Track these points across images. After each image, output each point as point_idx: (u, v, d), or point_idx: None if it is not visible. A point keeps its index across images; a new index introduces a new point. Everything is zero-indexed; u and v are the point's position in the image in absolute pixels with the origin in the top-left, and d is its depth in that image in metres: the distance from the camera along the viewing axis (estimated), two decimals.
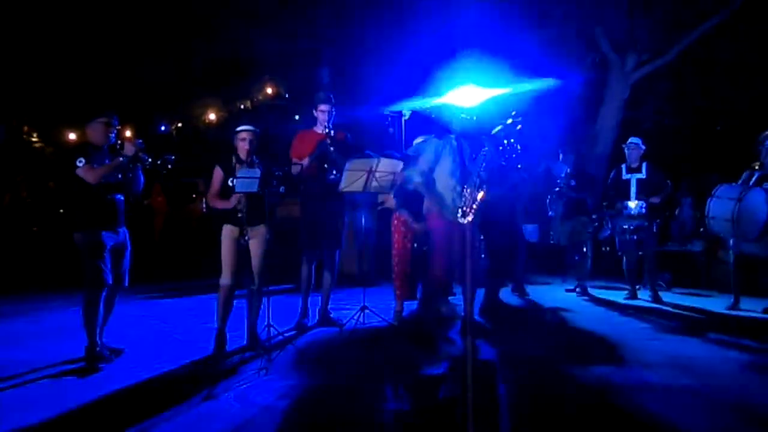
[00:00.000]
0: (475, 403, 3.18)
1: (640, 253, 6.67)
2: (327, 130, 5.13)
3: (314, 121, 5.31)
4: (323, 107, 5.18)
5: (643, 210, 6.54)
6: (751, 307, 5.92)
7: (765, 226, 5.48)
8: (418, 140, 5.25)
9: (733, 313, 5.83)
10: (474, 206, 4.41)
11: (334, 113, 5.21)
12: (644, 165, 6.70)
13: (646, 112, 11.14)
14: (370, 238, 7.73)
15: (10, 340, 4.93)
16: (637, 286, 6.83)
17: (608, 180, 7.05)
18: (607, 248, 8.85)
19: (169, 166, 4.26)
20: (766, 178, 5.76)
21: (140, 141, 4.21)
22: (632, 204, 6.58)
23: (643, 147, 6.80)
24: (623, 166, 6.86)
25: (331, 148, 5.07)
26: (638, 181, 6.65)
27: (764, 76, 9.69)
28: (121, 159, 4.13)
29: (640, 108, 10.95)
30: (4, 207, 10.60)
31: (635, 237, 6.58)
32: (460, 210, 4.37)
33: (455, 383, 3.64)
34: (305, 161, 5.03)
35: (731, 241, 6.06)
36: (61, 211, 9.27)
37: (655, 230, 6.70)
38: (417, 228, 5.21)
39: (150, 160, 4.23)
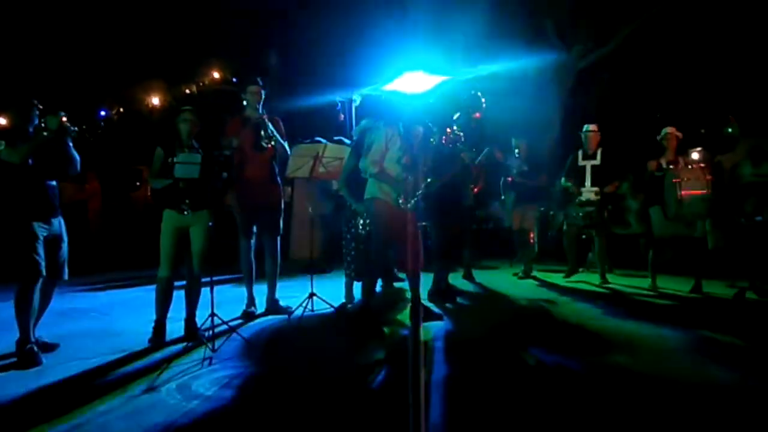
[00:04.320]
0: (419, 387, 3.21)
1: (583, 237, 6.85)
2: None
3: None
4: (252, 88, 5.14)
5: (597, 196, 6.55)
6: (674, 287, 6.30)
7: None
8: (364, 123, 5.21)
9: (669, 293, 6.11)
10: (418, 194, 4.45)
11: (264, 96, 5.17)
12: (599, 152, 6.73)
13: (590, 99, 11.45)
14: (323, 225, 7.67)
15: None
16: (581, 269, 7.03)
17: (565, 165, 7.02)
18: (553, 233, 9.11)
19: (103, 119, 4.09)
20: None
21: (62, 112, 4.00)
22: (586, 191, 6.60)
23: (599, 133, 6.79)
24: (579, 152, 6.86)
25: (265, 118, 5.02)
26: (593, 167, 6.65)
27: (702, 66, 10.13)
28: (45, 134, 3.92)
29: (585, 95, 11.25)
30: None
31: (588, 221, 6.63)
32: (404, 197, 4.38)
33: (400, 368, 3.67)
34: (236, 139, 4.91)
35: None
36: None
37: (606, 216, 6.72)
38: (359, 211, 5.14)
39: (76, 129, 4.04)
